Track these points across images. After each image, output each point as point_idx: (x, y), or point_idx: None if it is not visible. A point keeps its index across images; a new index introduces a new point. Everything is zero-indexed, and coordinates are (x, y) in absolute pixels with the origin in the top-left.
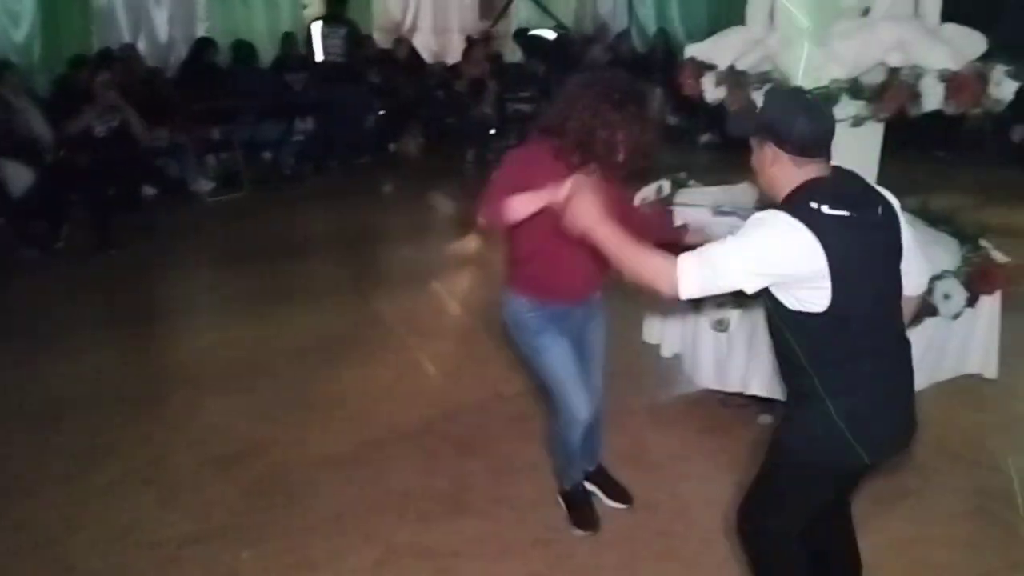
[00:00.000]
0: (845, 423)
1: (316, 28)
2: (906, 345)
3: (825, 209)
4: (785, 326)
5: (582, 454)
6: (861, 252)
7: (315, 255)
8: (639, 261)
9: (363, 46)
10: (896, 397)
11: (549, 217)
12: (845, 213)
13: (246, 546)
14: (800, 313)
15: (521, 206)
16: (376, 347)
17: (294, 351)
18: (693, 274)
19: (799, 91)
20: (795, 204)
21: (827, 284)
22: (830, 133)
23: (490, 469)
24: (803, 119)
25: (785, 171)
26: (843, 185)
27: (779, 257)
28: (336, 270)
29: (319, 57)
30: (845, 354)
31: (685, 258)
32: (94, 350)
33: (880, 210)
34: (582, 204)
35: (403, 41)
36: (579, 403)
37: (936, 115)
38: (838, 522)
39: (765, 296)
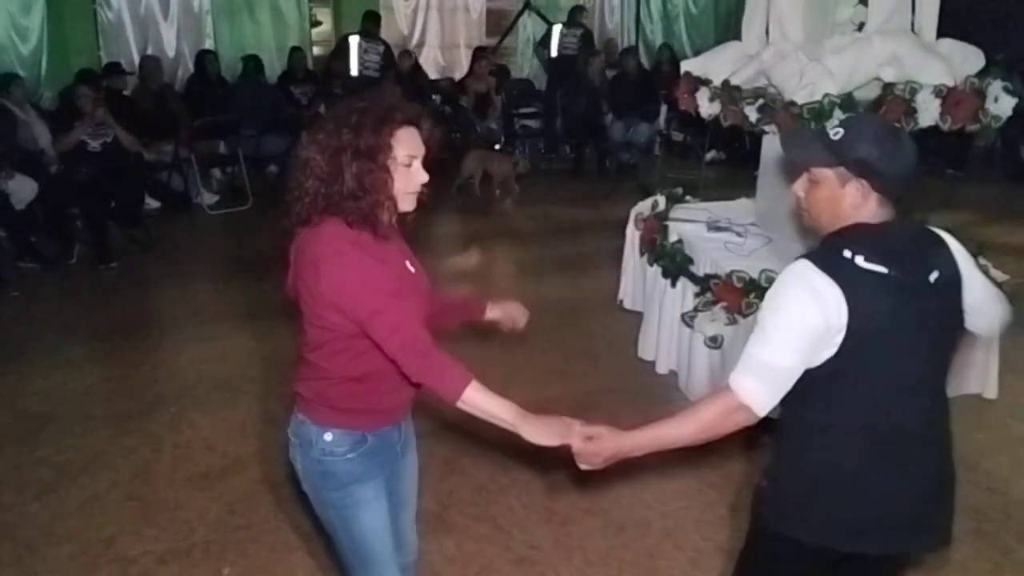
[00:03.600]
0: (808, 493)
1: (354, 42)
2: (934, 437)
3: (859, 261)
4: None
5: None
6: (891, 318)
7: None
8: (698, 428)
9: (398, 64)
10: (896, 486)
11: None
12: (883, 270)
13: (227, 562)
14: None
15: (480, 408)
16: None
17: (287, 365)
18: (755, 389)
19: (888, 121)
20: (827, 250)
21: (839, 340)
22: (919, 172)
23: (474, 487)
24: (906, 155)
25: (855, 211)
26: (894, 236)
27: (812, 322)
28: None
29: (354, 71)
30: (838, 420)
31: (738, 381)
32: (84, 363)
33: (937, 275)
34: (594, 454)
35: (407, 55)
36: None
37: (946, 133)
38: None
39: None
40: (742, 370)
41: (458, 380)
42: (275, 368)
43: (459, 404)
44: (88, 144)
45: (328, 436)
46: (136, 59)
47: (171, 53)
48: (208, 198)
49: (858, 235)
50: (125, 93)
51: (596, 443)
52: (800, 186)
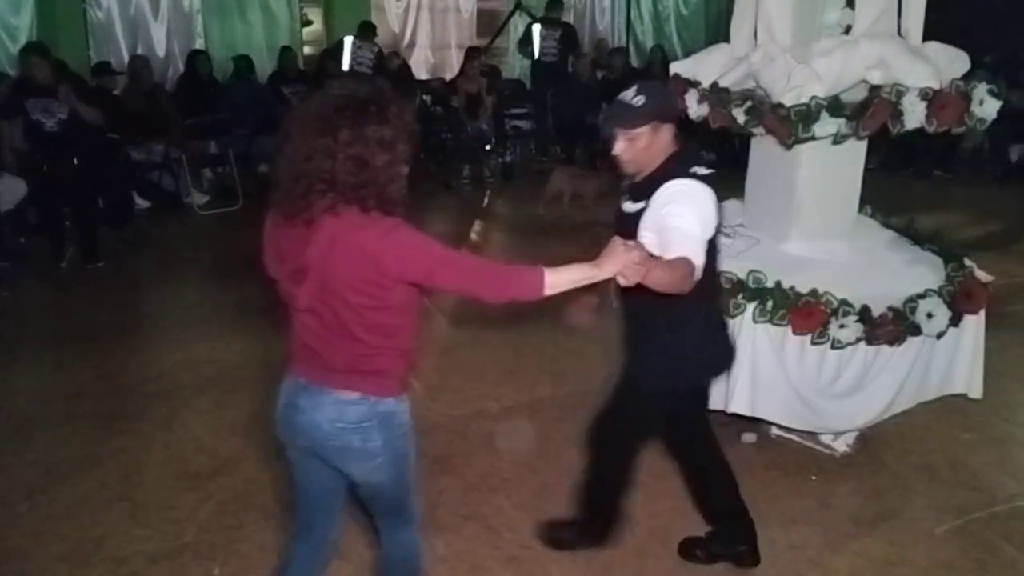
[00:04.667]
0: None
1: (348, 40)
2: None
3: (700, 171)
4: None
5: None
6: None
7: None
8: (680, 278)
9: (390, 63)
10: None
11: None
12: (711, 171)
13: (217, 562)
14: None
15: (560, 282)
16: None
17: (276, 365)
18: (698, 256)
19: (656, 79)
20: (682, 172)
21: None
22: None
23: (465, 486)
24: (675, 95)
25: (668, 146)
26: (694, 149)
27: (711, 214)
28: None
29: (345, 67)
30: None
31: (685, 248)
32: (73, 363)
33: None
34: (630, 263)
35: (395, 56)
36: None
37: (934, 134)
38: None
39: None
40: (686, 242)
41: (534, 276)
42: (266, 368)
43: (547, 293)
44: (44, 124)
45: (403, 406)
46: (126, 59)
47: (161, 53)
48: (199, 198)
49: (682, 157)
50: (115, 93)
51: (635, 250)
52: (620, 148)
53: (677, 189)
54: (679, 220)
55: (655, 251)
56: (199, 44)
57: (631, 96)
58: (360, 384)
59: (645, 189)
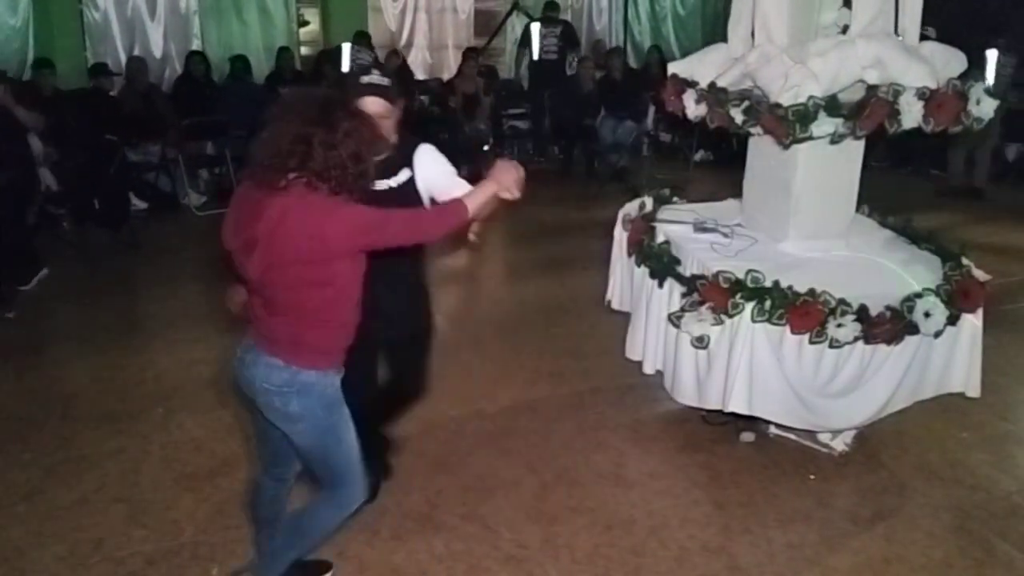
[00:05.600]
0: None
1: (346, 47)
2: None
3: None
4: None
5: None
6: None
7: None
8: (474, 208)
9: (390, 63)
10: None
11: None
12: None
13: (216, 563)
14: None
15: (476, 203)
16: None
17: None
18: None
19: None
20: (417, 139)
21: None
22: None
23: (463, 487)
24: None
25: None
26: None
27: None
28: None
29: (345, 68)
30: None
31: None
32: (71, 364)
33: None
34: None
35: (394, 55)
36: (363, 486)
37: (931, 134)
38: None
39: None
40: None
41: (459, 205)
42: None
43: (471, 214)
44: None
45: (327, 376)
46: (123, 60)
47: (158, 54)
48: (195, 199)
49: (402, 128)
50: (112, 94)
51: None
52: (393, 124)
53: (430, 149)
54: (451, 169)
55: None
56: (196, 45)
57: (379, 77)
58: (285, 353)
59: (396, 161)
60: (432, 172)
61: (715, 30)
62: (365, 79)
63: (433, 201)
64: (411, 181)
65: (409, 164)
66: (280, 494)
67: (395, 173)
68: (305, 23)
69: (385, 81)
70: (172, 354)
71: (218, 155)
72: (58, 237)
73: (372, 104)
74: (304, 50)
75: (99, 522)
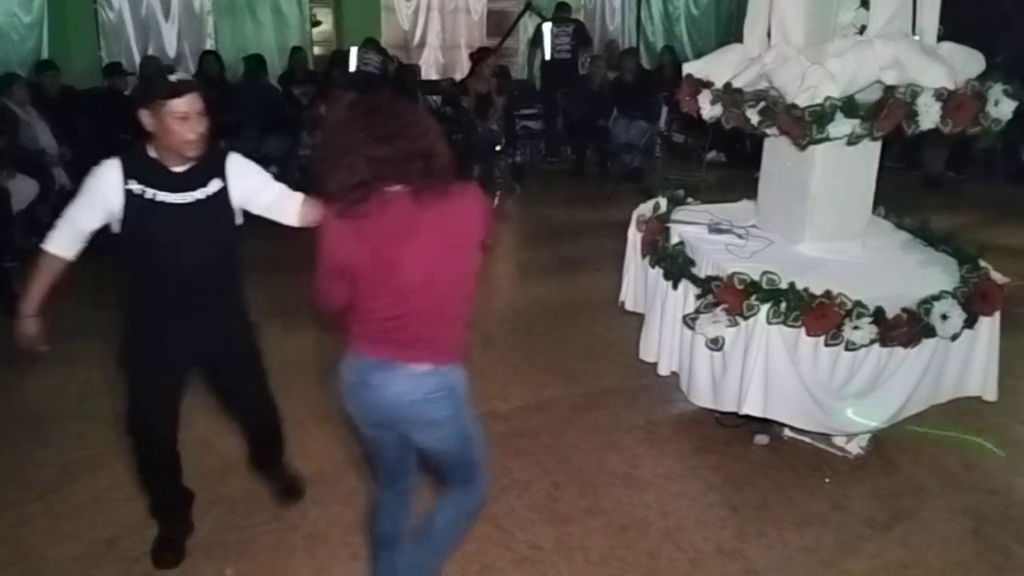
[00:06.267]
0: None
1: (353, 50)
2: None
3: None
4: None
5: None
6: None
7: (313, 269)
8: None
9: (393, 62)
10: None
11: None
12: None
13: (230, 563)
14: None
15: None
16: None
17: (288, 366)
18: None
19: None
20: (224, 149)
21: None
22: None
23: None
24: None
25: None
26: None
27: None
28: None
29: (352, 68)
30: None
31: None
32: (84, 362)
33: None
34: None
35: (395, 58)
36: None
37: (947, 135)
38: None
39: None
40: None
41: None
42: (276, 368)
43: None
44: None
45: (462, 368)
46: (137, 59)
47: (172, 53)
48: None
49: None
50: (126, 93)
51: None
52: (201, 128)
53: (241, 158)
54: (269, 176)
55: (268, 213)
56: (210, 45)
57: (181, 74)
58: (435, 356)
59: (205, 170)
60: (254, 183)
61: (729, 30)
62: (175, 77)
63: (246, 214)
64: (223, 192)
65: (220, 174)
66: (402, 508)
67: (204, 184)
68: (317, 23)
69: (192, 79)
70: None
71: None
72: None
73: (190, 102)
74: (317, 50)
75: (114, 520)
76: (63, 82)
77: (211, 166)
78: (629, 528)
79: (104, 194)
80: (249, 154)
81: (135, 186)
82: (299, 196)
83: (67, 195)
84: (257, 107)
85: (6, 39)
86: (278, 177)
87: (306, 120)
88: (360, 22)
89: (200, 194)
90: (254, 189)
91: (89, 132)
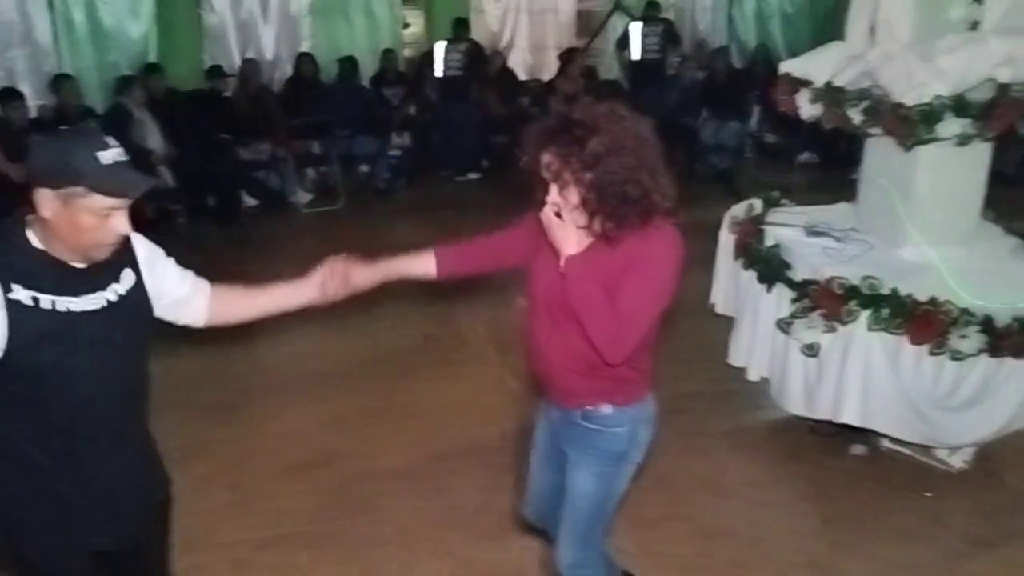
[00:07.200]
0: None
1: (440, 46)
2: None
3: None
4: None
5: None
6: None
7: None
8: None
9: (487, 64)
10: None
11: None
12: None
13: (315, 554)
14: None
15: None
16: (455, 360)
17: (371, 362)
18: None
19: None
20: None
21: None
22: None
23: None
24: None
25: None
26: None
27: None
28: (419, 282)
29: (439, 73)
30: None
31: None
32: (179, 356)
33: None
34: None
35: (497, 56)
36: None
37: None
38: None
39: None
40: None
41: None
42: (361, 364)
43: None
44: None
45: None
46: (237, 62)
47: (269, 55)
48: (303, 197)
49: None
50: (226, 95)
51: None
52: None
53: (148, 242)
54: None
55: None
56: (305, 47)
57: (121, 153)
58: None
59: (111, 262)
60: (171, 272)
61: (825, 28)
62: (110, 157)
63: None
64: (139, 287)
65: (131, 263)
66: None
67: (116, 278)
68: (406, 25)
69: (127, 158)
70: (281, 347)
71: (324, 154)
72: (174, 232)
73: (118, 202)
74: (407, 52)
75: (209, 508)
76: (167, 84)
77: (118, 253)
78: (715, 535)
79: None
80: (341, 154)
81: (22, 294)
82: (207, 288)
83: (170, 193)
84: (349, 108)
85: (119, 42)
86: (368, 176)
87: (396, 121)
88: (449, 24)
89: (111, 294)
90: (172, 280)
91: (191, 133)
